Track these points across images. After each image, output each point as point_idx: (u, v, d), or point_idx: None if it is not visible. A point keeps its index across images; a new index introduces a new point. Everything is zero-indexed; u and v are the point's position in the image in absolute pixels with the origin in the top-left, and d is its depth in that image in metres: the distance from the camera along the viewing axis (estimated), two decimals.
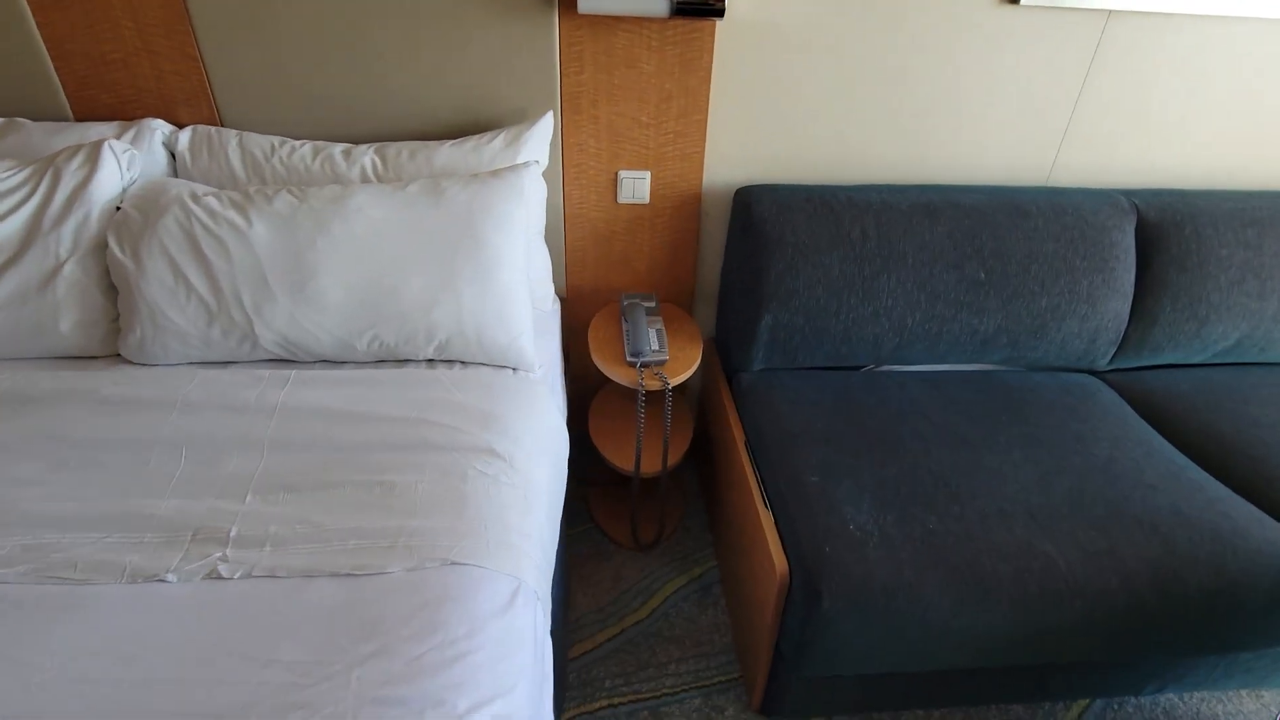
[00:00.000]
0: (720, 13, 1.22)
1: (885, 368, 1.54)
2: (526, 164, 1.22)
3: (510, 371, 1.17)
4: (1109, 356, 1.53)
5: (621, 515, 1.66)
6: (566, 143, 1.42)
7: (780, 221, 1.37)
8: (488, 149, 1.28)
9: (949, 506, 1.13)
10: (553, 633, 1.00)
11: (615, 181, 1.47)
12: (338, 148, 1.28)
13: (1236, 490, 1.25)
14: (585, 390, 1.72)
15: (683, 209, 1.53)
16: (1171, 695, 1.34)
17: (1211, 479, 1.26)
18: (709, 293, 1.68)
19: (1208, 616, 1.06)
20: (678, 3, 1.21)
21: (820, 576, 1.02)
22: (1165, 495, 1.18)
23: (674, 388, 1.41)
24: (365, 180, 1.25)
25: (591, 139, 1.42)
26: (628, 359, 1.36)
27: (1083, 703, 1.32)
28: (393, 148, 1.29)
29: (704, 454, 1.72)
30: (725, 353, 1.57)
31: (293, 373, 1.08)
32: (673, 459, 1.49)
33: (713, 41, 1.33)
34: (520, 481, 0.93)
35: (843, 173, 1.52)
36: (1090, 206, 1.44)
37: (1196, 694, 1.35)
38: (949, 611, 1.02)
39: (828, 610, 1.00)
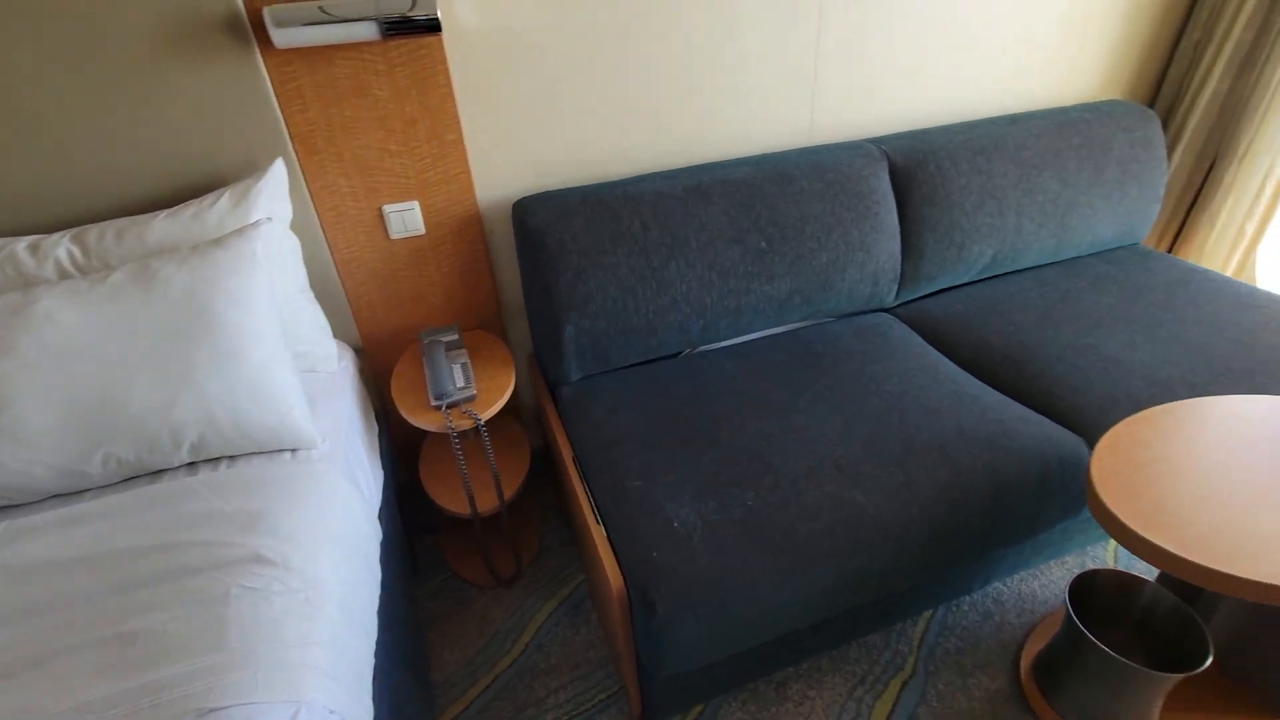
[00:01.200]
0: (436, 28, 1.15)
1: (700, 349, 1.57)
2: (256, 224, 1.09)
3: (288, 455, 1.06)
4: (894, 293, 1.65)
5: (477, 556, 1.59)
6: (313, 187, 1.29)
7: (559, 230, 1.34)
8: (212, 212, 1.14)
9: (763, 478, 1.17)
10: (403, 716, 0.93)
11: (381, 217, 1.37)
12: (21, 243, 1.08)
13: (1007, 393, 1.40)
14: (415, 436, 1.62)
15: (465, 232, 1.45)
16: (998, 584, 1.49)
17: (987, 388, 1.39)
18: (518, 310, 1.62)
19: (995, 519, 1.18)
20: (386, 25, 1.12)
21: (651, 585, 1.01)
22: (949, 417, 1.29)
23: (505, 410, 1.35)
24: (64, 276, 1.07)
25: (341, 178, 1.31)
26: (432, 403, 1.28)
27: (927, 614, 1.44)
28: (94, 231, 1.11)
29: (553, 468, 1.68)
30: (544, 368, 1.53)
31: (3, 525, 0.91)
32: (509, 490, 1.44)
33: (444, 57, 1.25)
34: (299, 584, 0.83)
35: (616, 167, 1.51)
36: (846, 160, 1.53)
37: (1016, 576, 1.51)
38: (777, 584, 1.05)
39: (663, 617, 1.00)
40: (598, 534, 1.15)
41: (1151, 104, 1.98)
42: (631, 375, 1.47)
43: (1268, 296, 1.58)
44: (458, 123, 1.33)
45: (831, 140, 1.66)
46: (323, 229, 1.34)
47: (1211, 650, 1.06)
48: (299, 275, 1.26)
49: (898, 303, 1.70)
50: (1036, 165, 1.64)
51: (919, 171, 1.56)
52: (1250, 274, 1.94)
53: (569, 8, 1.30)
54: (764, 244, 1.45)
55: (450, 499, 1.44)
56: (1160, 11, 1.82)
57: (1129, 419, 1.11)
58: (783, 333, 1.60)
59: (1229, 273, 1.93)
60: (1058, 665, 1.21)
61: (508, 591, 1.55)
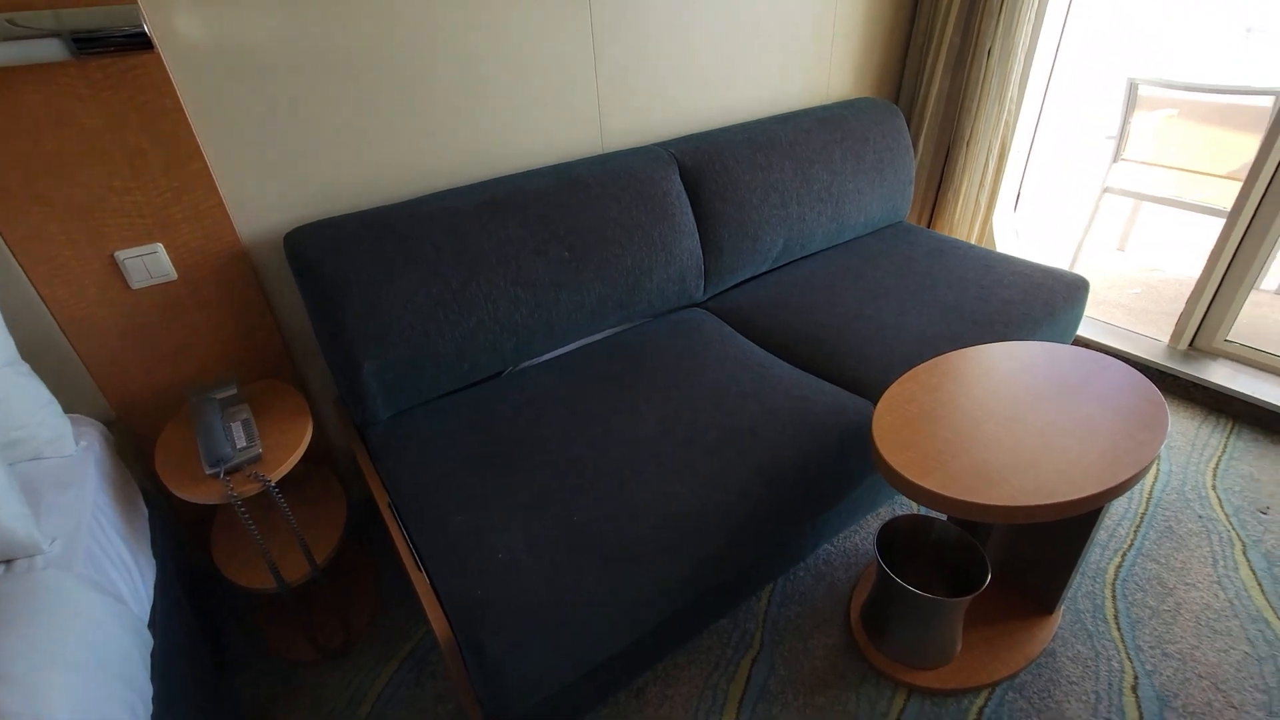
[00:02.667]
0: (146, 45, 1.00)
1: (522, 366, 1.53)
2: None
3: (0, 569, 0.86)
4: (701, 288, 1.73)
5: (300, 631, 1.42)
6: (11, 238, 1.07)
7: (340, 260, 1.23)
8: None
9: (590, 488, 1.15)
10: None
11: (116, 265, 1.17)
12: None
13: (807, 369, 1.51)
14: (206, 511, 1.42)
15: (229, 272, 1.29)
16: (826, 546, 1.61)
17: (790, 367, 1.50)
18: (314, 351, 1.48)
19: (808, 488, 1.26)
20: (77, 42, 0.95)
21: (478, 625, 0.95)
22: (758, 399, 1.36)
23: (318, 461, 1.21)
24: None
25: (52, 223, 1.10)
26: (207, 470, 1.12)
27: (769, 587, 1.51)
28: None
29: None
30: (350, 410, 1.40)
31: None
32: (323, 551, 1.30)
33: (168, 78, 1.10)
34: None
35: (399, 188, 1.42)
36: (638, 165, 1.57)
37: (841, 535, 1.64)
38: (613, 593, 1.04)
39: (495, 656, 0.94)
40: (420, 581, 1.06)
41: (896, 100, 2.26)
42: (449, 404, 1.39)
43: (1000, 257, 1.86)
44: (199, 151, 1.17)
45: (622, 147, 1.70)
46: (34, 286, 1.12)
47: (990, 569, 1.21)
48: (2, 346, 1.03)
49: (707, 297, 1.78)
50: (809, 159, 1.80)
51: (707, 170, 1.64)
52: (990, 240, 2.28)
53: (312, 23, 1.20)
54: (567, 253, 1.44)
55: (252, 574, 1.26)
56: (890, 19, 2.08)
57: (900, 379, 1.24)
58: (601, 339, 1.61)
59: (973, 240, 2.25)
60: (878, 610, 1.32)
61: (343, 661, 1.40)
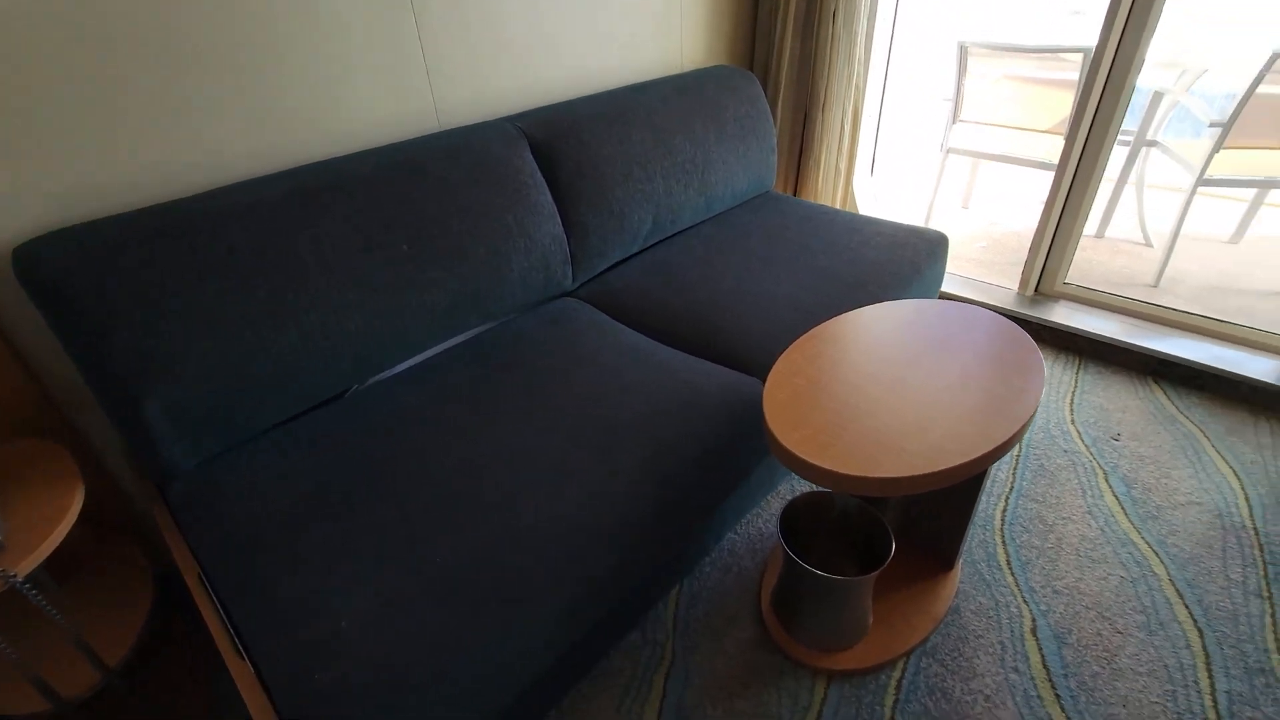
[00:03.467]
0: None
1: (371, 381, 1.31)
2: None
3: None
4: (570, 275, 1.58)
5: None
6: None
7: (99, 275, 0.95)
8: None
9: (457, 519, 0.98)
10: None
11: None
12: None
13: (691, 351, 1.41)
14: None
15: None
16: (731, 535, 1.53)
17: (674, 351, 1.39)
18: (83, 394, 1.17)
19: (703, 479, 1.15)
20: None
21: None
22: (642, 391, 1.24)
23: (117, 530, 0.93)
24: None
25: None
26: None
27: (675, 590, 1.41)
28: None
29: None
30: (143, 463, 1.12)
31: None
32: (120, 649, 1.02)
33: None
34: None
35: (182, 181, 1.15)
36: (482, 142, 1.39)
37: (744, 521, 1.56)
38: (498, 638, 0.87)
39: None
40: (241, 672, 0.84)
41: (750, 66, 2.22)
42: (277, 439, 1.15)
43: (865, 220, 1.86)
44: None
45: (463, 122, 1.51)
46: None
47: (893, 539, 1.17)
48: None
49: (578, 284, 1.64)
50: (668, 129, 1.70)
51: (562, 145, 1.49)
52: (852, 204, 2.31)
53: None
54: (406, 247, 1.24)
55: (16, 696, 0.97)
56: None
57: (785, 353, 1.16)
58: (464, 341, 1.42)
59: (837, 205, 2.27)
60: (788, 596, 1.25)
61: None
